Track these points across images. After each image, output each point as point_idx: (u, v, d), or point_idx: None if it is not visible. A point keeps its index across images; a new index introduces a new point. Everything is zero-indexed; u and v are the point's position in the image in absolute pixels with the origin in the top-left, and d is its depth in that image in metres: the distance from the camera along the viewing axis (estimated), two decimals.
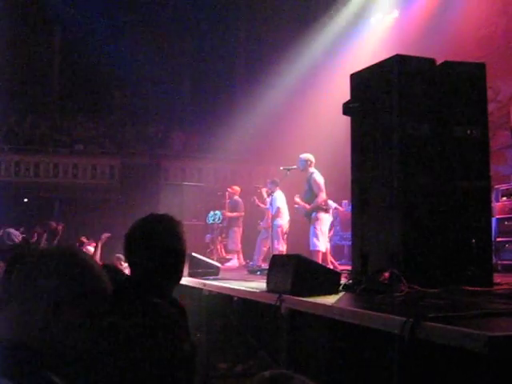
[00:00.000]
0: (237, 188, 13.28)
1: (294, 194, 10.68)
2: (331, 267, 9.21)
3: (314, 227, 9.72)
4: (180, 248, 2.73)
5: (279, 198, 11.16)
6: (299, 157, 9.98)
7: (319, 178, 9.75)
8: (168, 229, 2.72)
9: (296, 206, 10.17)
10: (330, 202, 11.05)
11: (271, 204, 10.86)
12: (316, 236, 9.66)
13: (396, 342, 3.24)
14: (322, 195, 9.67)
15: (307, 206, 9.79)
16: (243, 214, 12.84)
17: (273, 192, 11.04)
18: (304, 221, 10.30)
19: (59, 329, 1.63)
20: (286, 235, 11.18)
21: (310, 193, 9.77)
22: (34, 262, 1.73)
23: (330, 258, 10.19)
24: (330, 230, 10.72)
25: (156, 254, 2.63)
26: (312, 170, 9.85)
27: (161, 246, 2.65)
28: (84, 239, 11.05)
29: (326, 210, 9.91)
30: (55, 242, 8.27)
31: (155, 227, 2.69)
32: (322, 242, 9.69)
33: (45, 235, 8.16)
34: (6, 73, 19.40)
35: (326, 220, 9.89)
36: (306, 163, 9.85)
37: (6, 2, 18.83)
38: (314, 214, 9.76)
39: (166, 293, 2.67)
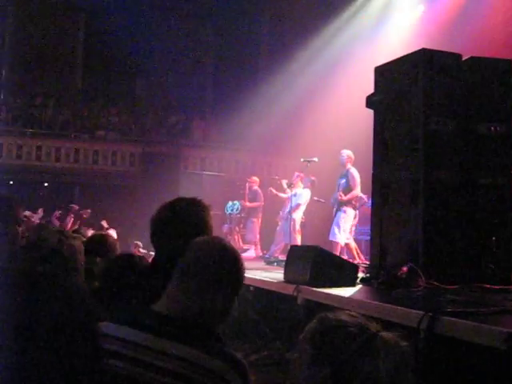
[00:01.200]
0: (256, 179, 13.31)
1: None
2: (358, 260, 9.34)
3: (339, 219, 9.86)
4: (207, 233, 2.72)
5: (305, 196, 11.24)
6: (343, 152, 10.08)
7: (356, 173, 9.92)
8: (195, 213, 2.70)
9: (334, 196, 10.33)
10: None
11: (294, 195, 10.92)
12: (338, 227, 9.80)
13: (414, 336, 3.23)
14: (358, 189, 9.86)
15: (344, 197, 9.88)
16: (263, 203, 12.86)
17: (305, 187, 11.17)
18: (321, 215, 10.35)
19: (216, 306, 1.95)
20: (300, 228, 11.24)
21: (347, 186, 9.89)
22: (199, 250, 2.06)
23: (358, 251, 10.25)
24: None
25: (182, 237, 2.61)
26: (349, 165, 9.97)
27: (187, 229, 2.63)
28: (104, 223, 11.11)
29: (355, 207, 10.05)
30: (77, 225, 8.31)
31: (182, 210, 2.68)
32: (343, 236, 9.80)
33: (71, 219, 8.19)
34: (30, 58, 19.55)
35: (351, 216, 10.04)
36: (347, 159, 9.98)
37: None
38: (343, 207, 9.89)
39: None
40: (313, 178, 11.33)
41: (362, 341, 1.40)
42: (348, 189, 9.88)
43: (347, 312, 1.48)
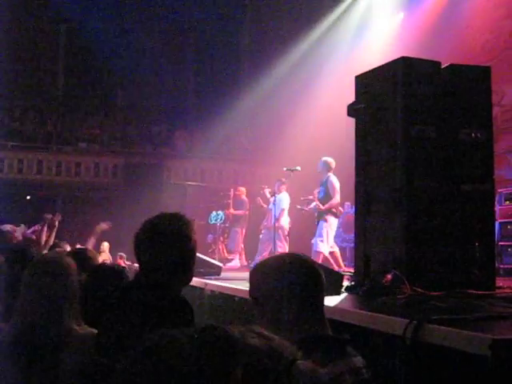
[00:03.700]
0: (243, 189, 13.36)
1: (296, 194, 10.70)
2: (344, 268, 9.31)
3: (321, 230, 9.79)
4: (189, 248, 2.73)
5: (285, 200, 11.21)
6: (321, 159, 10.03)
7: (336, 181, 9.83)
8: (178, 229, 2.71)
9: (311, 204, 10.25)
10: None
11: (274, 204, 10.88)
12: (321, 237, 9.73)
13: (399, 344, 3.23)
14: (338, 197, 9.77)
15: (321, 207, 9.83)
16: (247, 212, 12.86)
17: (279, 192, 11.10)
18: (306, 222, 10.32)
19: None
20: (287, 236, 11.21)
21: (325, 195, 9.83)
22: (272, 265, 2.08)
23: (340, 260, 10.20)
24: None
25: (165, 254, 2.62)
26: (329, 173, 9.91)
27: (170, 246, 2.64)
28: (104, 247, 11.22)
29: (336, 215, 9.98)
30: (53, 235, 8.18)
31: (165, 227, 2.68)
32: (326, 245, 9.74)
33: (45, 230, 8.08)
34: (11, 70, 19.42)
35: (333, 225, 9.96)
36: (326, 166, 9.92)
37: (13, 1, 18.86)
38: (324, 216, 9.83)
39: (174, 292, 2.66)
40: (281, 179, 11.28)
41: (276, 374, 1.19)
42: (327, 197, 9.81)
43: (257, 330, 1.29)
